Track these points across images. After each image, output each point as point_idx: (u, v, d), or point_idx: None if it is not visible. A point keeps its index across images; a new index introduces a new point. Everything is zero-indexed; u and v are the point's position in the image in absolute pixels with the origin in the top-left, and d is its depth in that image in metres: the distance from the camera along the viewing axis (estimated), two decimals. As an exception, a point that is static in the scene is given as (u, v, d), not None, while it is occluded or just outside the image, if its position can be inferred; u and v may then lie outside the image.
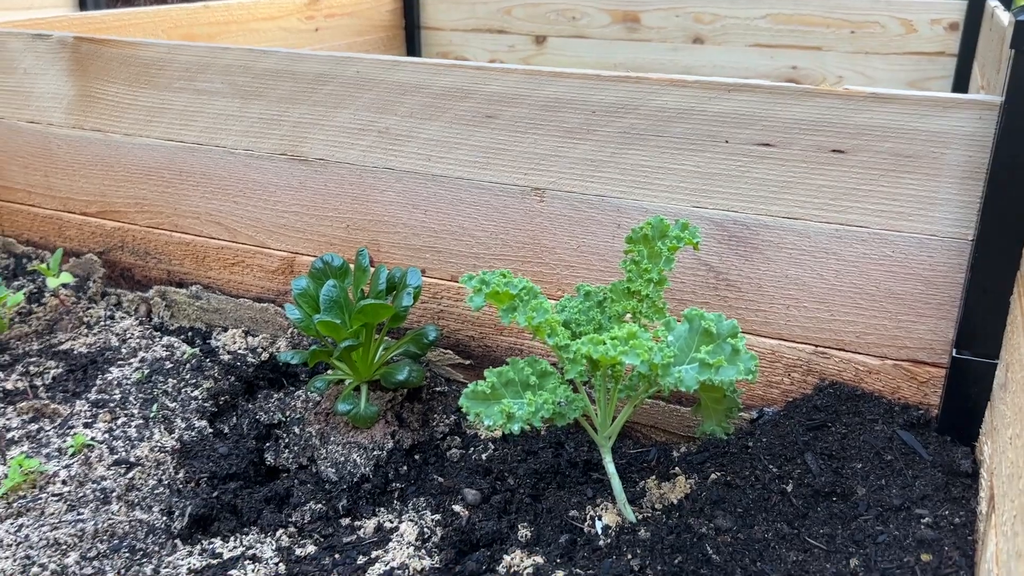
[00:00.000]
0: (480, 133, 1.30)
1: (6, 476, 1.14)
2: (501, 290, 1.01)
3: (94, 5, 4.20)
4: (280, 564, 1.08)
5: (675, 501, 1.14)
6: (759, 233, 1.17)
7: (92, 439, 1.22)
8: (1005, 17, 1.64)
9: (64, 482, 1.14)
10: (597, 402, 1.07)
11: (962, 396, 1.09)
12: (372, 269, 1.34)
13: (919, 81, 2.73)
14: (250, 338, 1.54)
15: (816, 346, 1.20)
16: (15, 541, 1.05)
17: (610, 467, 1.08)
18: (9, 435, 1.23)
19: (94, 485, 1.15)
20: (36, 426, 1.25)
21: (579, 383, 1.03)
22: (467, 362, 1.45)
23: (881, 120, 1.07)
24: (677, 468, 1.21)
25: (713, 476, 1.16)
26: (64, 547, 1.05)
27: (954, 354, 1.08)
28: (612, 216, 1.26)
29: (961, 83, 2.60)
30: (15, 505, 1.10)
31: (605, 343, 0.92)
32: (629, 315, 1.07)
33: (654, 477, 1.20)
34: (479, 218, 1.35)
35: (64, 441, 1.22)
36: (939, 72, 2.71)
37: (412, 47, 3.39)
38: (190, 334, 1.58)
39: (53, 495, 1.12)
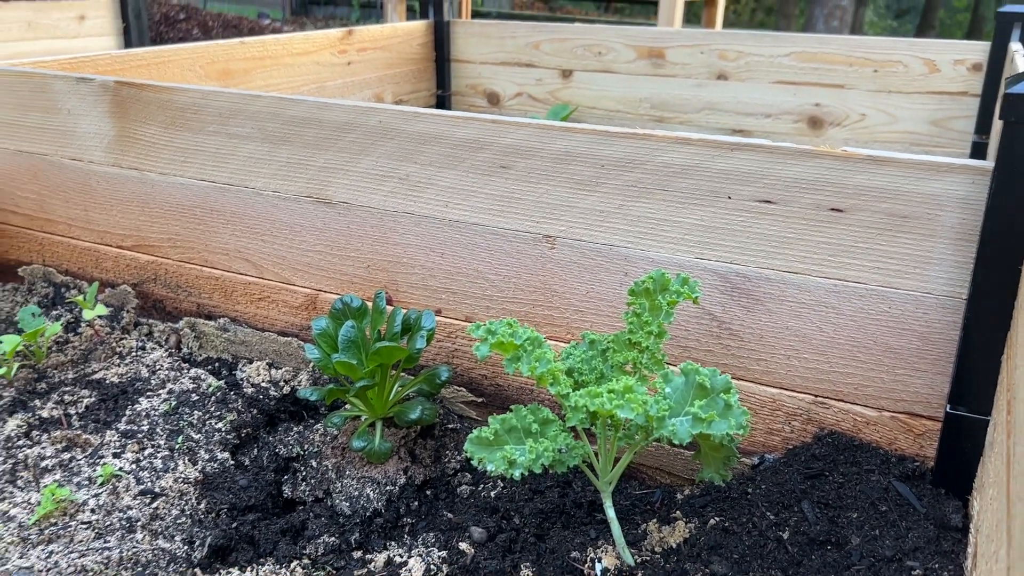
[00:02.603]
0: (495, 182, 1.36)
1: (39, 504, 1.21)
2: (506, 340, 1.06)
3: (137, 31, 4.35)
4: (293, 595, 1.13)
5: (674, 545, 1.17)
6: (761, 286, 1.21)
7: (120, 469, 1.28)
8: (1023, 64, 1.67)
9: (93, 511, 1.21)
10: (598, 448, 1.11)
11: (956, 451, 1.11)
12: (390, 310, 1.40)
13: (942, 120, 2.75)
14: (274, 370, 1.60)
15: (816, 396, 1.23)
16: (45, 567, 1.11)
17: (610, 512, 1.12)
18: (43, 463, 1.30)
19: (120, 514, 1.21)
20: (68, 455, 1.32)
21: (580, 430, 1.08)
22: (479, 399, 1.49)
23: (879, 181, 1.10)
24: (678, 512, 1.24)
25: (712, 521, 1.19)
26: (91, 574, 1.11)
27: (948, 409, 1.11)
28: (620, 264, 1.30)
29: (985, 122, 2.61)
30: (46, 532, 1.17)
31: (602, 396, 0.97)
32: (630, 365, 1.12)
33: (655, 520, 1.24)
34: (493, 262, 1.41)
35: (94, 471, 1.28)
36: (962, 111, 2.72)
37: (442, 79, 3.47)
38: (217, 365, 1.65)
39: (82, 523, 1.19)
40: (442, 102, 3.51)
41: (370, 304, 1.43)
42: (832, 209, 1.14)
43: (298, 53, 2.80)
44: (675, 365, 1.29)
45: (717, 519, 1.19)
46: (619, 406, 0.94)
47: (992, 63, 2.52)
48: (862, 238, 1.13)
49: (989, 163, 1.03)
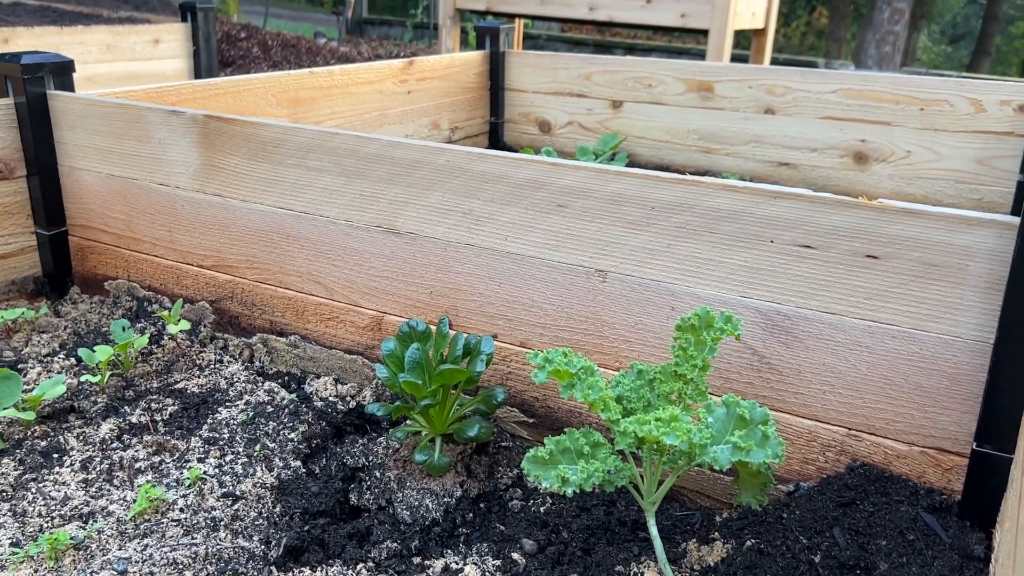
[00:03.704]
0: (552, 219, 1.47)
1: (135, 501, 1.34)
2: (562, 368, 1.16)
3: (206, 54, 4.57)
4: (359, 594, 1.24)
5: (712, 564, 1.26)
6: (799, 324, 1.30)
7: (205, 473, 1.41)
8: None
9: (181, 509, 1.34)
10: (644, 471, 1.21)
11: (981, 486, 1.19)
12: (452, 334, 1.51)
13: (987, 159, 2.79)
14: (339, 386, 1.72)
15: (849, 429, 1.31)
16: (141, 559, 1.24)
17: (653, 530, 1.22)
18: (136, 465, 1.43)
19: (205, 514, 1.33)
20: (159, 458, 1.45)
21: (628, 453, 1.17)
22: (531, 420, 1.60)
23: (912, 232, 1.19)
24: (716, 533, 1.33)
25: (748, 543, 1.27)
26: (181, 566, 1.24)
27: (975, 446, 1.18)
28: (667, 299, 1.40)
29: (1031, 162, 2.65)
30: (141, 527, 1.30)
31: (650, 423, 1.06)
32: (675, 395, 1.21)
33: (695, 540, 1.33)
34: (548, 293, 1.51)
35: (181, 473, 1.41)
36: (1008, 151, 2.76)
37: (496, 107, 3.60)
38: (286, 379, 1.78)
39: (172, 520, 1.31)
40: (495, 129, 3.64)
41: (434, 328, 1.54)
42: (868, 256, 1.22)
43: (362, 83, 2.95)
44: (717, 395, 1.38)
45: (753, 541, 1.27)
46: (665, 433, 1.04)
47: (1038, 105, 2.57)
48: (896, 283, 1.22)
49: (1015, 219, 1.11)
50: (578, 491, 1.11)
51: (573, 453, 1.15)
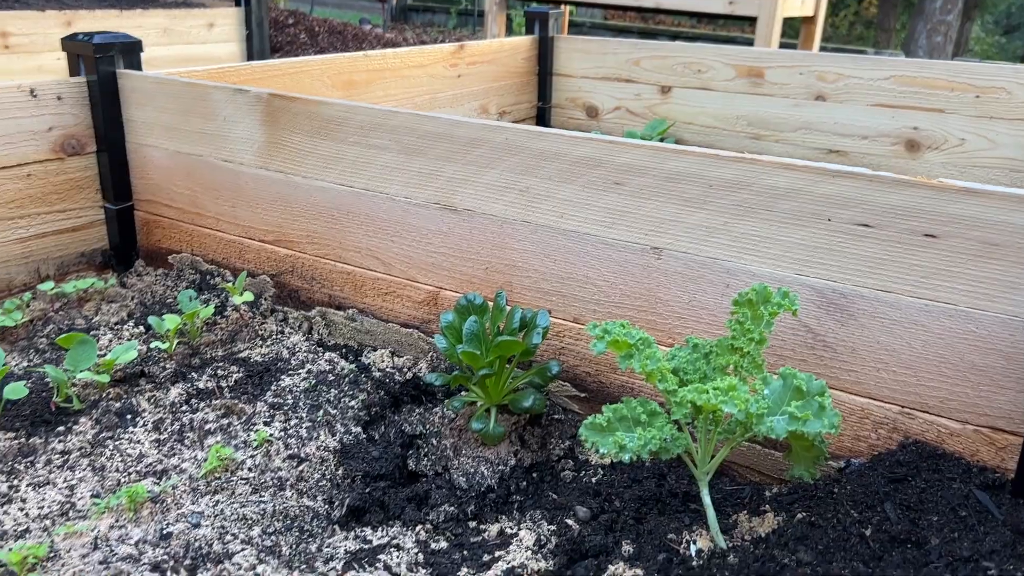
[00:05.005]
0: (608, 197, 1.50)
1: (206, 460, 1.40)
2: (620, 339, 1.20)
3: (258, 38, 4.65)
4: (419, 554, 1.29)
5: (763, 534, 1.29)
6: (855, 302, 1.31)
7: (271, 435, 1.47)
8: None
9: (249, 469, 1.40)
10: (698, 441, 1.23)
11: (1036, 464, 1.20)
12: (508, 308, 1.55)
13: (1044, 147, 2.75)
14: (396, 358, 1.77)
15: (902, 407, 1.32)
16: (213, 513, 1.30)
17: (706, 499, 1.25)
18: (206, 426, 1.50)
19: (272, 474, 1.39)
20: (226, 421, 1.51)
21: (683, 424, 1.20)
22: (583, 395, 1.63)
23: (971, 211, 1.20)
24: (767, 506, 1.35)
25: (799, 515, 1.30)
26: (250, 522, 1.29)
27: (1030, 425, 1.19)
28: (722, 277, 1.42)
29: (1088, 152, 2.61)
30: (213, 484, 1.36)
31: (708, 392, 1.09)
32: (731, 368, 1.24)
33: (745, 512, 1.35)
34: (602, 269, 1.54)
35: (248, 435, 1.47)
36: (1065, 140, 2.72)
37: (543, 92, 3.62)
38: (344, 351, 1.83)
39: (241, 479, 1.37)
40: (542, 114, 3.67)
41: (490, 303, 1.58)
42: (926, 235, 1.24)
43: (414, 66, 3.00)
44: (770, 372, 1.40)
45: (803, 514, 1.30)
46: (724, 401, 1.07)
47: (1098, 93, 2.53)
48: (954, 263, 1.23)
49: (1078, 199, 1.12)
50: (635, 458, 1.15)
51: (630, 421, 1.19)
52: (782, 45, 4.92)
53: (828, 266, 1.32)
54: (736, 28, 11.18)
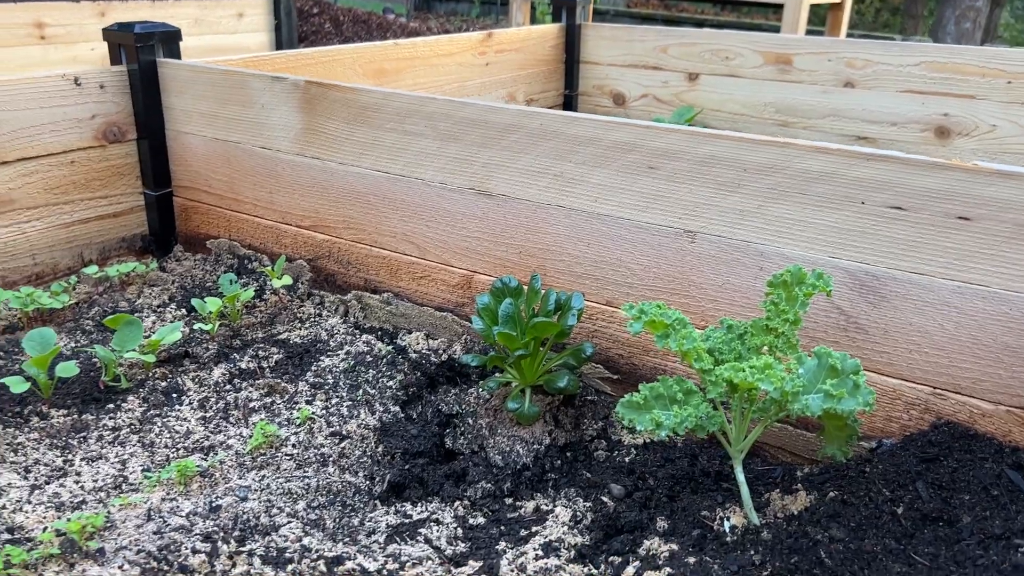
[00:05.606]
0: (642, 181, 1.52)
1: (251, 437, 1.44)
2: (657, 319, 1.22)
3: (287, 28, 4.69)
4: (458, 528, 1.33)
5: (795, 512, 1.31)
6: (888, 284, 1.33)
7: (313, 413, 1.51)
8: None
9: (293, 446, 1.44)
10: (733, 420, 1.26)
11: (1068, 444, 1.21)
12: (543, 291, 1.58)
13: (1076, 133, 2.74)
14: (430, 340, 1.81)
15: (934, 388, 1.34)
16: (260, 487, 1.34)
17: (740, 476, 1.27)
18: (250, 405, 1.54)
19: (315, 450, 1.43)
20: (270, 399, 1.56)
21: (718, 403, 1.23)
22: (615, 377, 1.66)
23: (1007, 193, 1.21)
24: (799, 485, 1.38)
25: (831, 494, 1.32)
26: (295, 496, 1.34)
27: (1063, 405, 1.21)
28: (755, 260, 1.44)
29: (1122, 138, 2.59)
30: (258, 460, 1.40)
31: (744, 370, 1.12)
32: (766, 348, 1.26)
33: (778, 491, 1.38)
34: (635, 253, 1.57)
35: (291, 413, 1.52)
36: (1098, 126, 2.70)
37: (571, 79, 3.64)
38: (380, 333, 1.87)
39: (286, 455, 1.42)
40: (569, 102, 3.68)
41: (525, 286, 1.61)
42: (960, 217, 1.25)
43: (443, 54, 3.03)
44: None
45: (835, 492, 1.32)
46: (760, 379, 1.09)
47: None
48: (987, 245, 1.24)
49: (1114, 181, 1.13)
50: (671, 435, 1.17)
51: (666, 399, 1.21)
52: (808, 32, 4.90)
53: (861, 248, 1.34)
54: (760, 15, 11.09)
